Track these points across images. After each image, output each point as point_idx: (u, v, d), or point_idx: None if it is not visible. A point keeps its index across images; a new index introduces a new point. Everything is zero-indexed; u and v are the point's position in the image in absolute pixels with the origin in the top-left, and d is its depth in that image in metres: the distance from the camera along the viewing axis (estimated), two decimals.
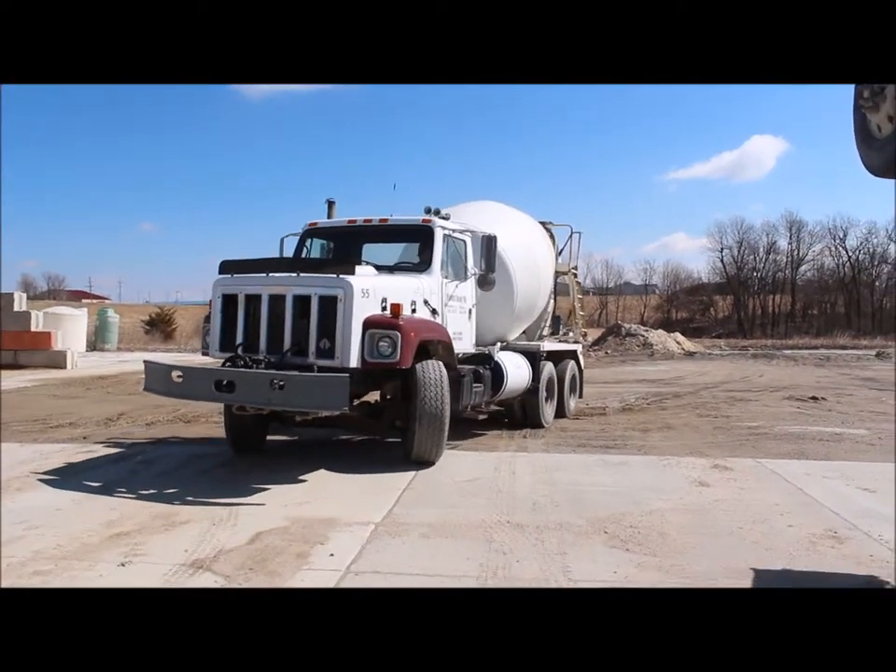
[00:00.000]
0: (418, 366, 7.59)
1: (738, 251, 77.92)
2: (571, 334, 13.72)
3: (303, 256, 9.31)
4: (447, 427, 7.83)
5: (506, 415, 11.24)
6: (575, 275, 14.20)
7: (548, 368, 11.18)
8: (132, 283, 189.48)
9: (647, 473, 7.68)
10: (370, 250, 9.41)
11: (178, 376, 7.50)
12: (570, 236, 13.50)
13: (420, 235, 8.83)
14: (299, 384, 6.67)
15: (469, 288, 9.27)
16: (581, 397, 13.53)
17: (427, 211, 9.02)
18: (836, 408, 14.08)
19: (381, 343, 7.24)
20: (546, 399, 11.14)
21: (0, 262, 53.20)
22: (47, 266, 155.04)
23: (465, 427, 10.34)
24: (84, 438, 9.87)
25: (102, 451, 8.77)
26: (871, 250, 73.07)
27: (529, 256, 11.00)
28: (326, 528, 5.61)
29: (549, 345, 11.68)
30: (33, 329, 23.73)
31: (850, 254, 73.74)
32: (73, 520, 5.80)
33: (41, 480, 7.15)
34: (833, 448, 9.22)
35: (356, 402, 7.99)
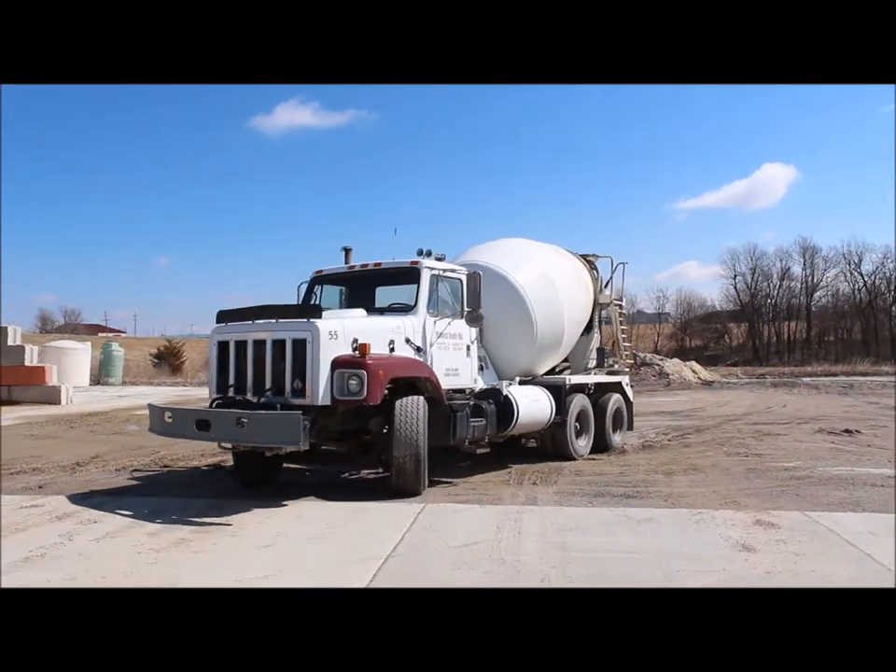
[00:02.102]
0: (397, 402, 8.07)
1: (752, 278, 76.66)
2: (616, 366, 13.42)
3: (312, 302, 9.84)
4: (424, 459, 8.15)
5: (538, 446, 11.40)
6: (620, 307, 13.78)
7: (578, 400, 11.25)
8: (147, 316, 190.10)
9: (677, 533, 6.45)
10: (382, 293, 9.78)
11: (169, 417, 8.25)
12: (614, 268, 13.39)
13: (409, 277, 9.21)
14: (258, 421, 7.27)
15: (465, 325, 9.56)
16: (630, 429, 13.21)
17: (420, 253, 9.37)
18: (875, 442, 12.88)
19: (350, 382, 7.69)
20: (579, 432, 11.26)
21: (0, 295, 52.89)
22: (65, 300, 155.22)
23: (470, 466, 10.26)
24: (39, 487, 8.84)
25: (47, 505, 7.69)
26: (887, 275, 71.51)
27: (553, 290, 11.10)
28: None
29: (575, 378, 11.68)
30: (27, 363, 22.93)
31: (866, 279, 72.23)
32: None
33: None
34: (890, 495, 7.99)
35: (350, 438, 8.50)
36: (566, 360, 12.88)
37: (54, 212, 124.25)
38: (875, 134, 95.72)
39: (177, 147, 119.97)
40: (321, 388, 7.67)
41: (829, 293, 75.74)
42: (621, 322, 13.86)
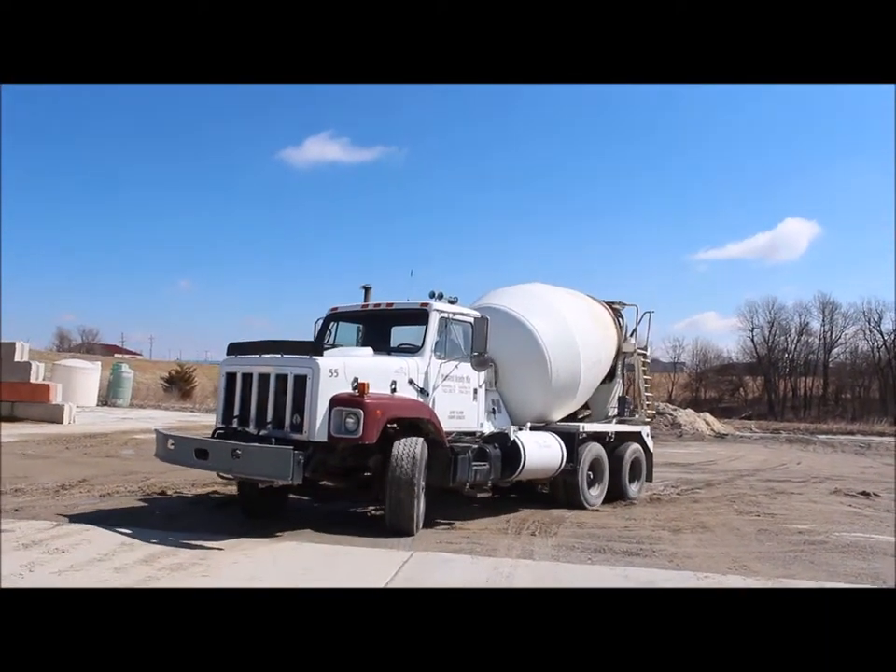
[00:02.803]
0: (395, 442, 8.17)
1: (770, 331, 75.64)
2: (637, 416, 13.19)
3: (327, 338, 9.92)
4: (418, 500, 8.14)
5: (549, 493, 11.22)
6: (644, 356, 13.54)
7: (592, 449, 11.13)
8: (164, 340, 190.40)
9: None
10: (398, 332, 9.90)
11: (171, 444, 8.40)
12: (640, 317, 13.28)
13: (418, 318, 9.29)
14: (251, 454, 7.42)
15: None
16: (650, 480, 12.93)
17: (431, 295, 9.39)
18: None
19: (347, 420, 7.79)
20: (592, 481, 11.14)
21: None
22: (84, 320, 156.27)
23: (475, 509, 10.15)
24: (16, 511, 8.47)
25: (18, 531, 7.27)
26: None
27: (571, 336, 11.04)
28: None
29: (590, 426, 11.55)
30: (32, 380, 22.71)
31: (886, 337, 71.19)
32: None
33: None
34: None
35: (353, 475, 8.55)
36: (587, 407, 12.72)
37: (79, 232, 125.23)
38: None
39: (205, 172, 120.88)
40: (318, 424, 7.80)
41: (847, 350, 74.76)
42: (644, 371, 13.58)
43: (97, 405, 31.01)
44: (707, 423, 36.99)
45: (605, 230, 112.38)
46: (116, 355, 76.20)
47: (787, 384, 75.40)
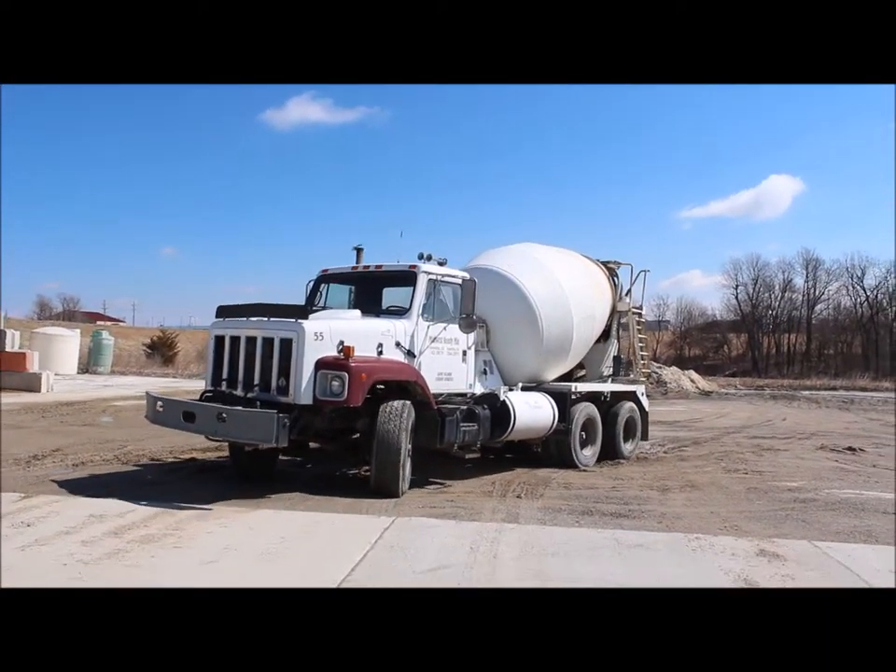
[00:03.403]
0: (382, 405, 8.15)
1: (753, 289, 75.65)
2: (632, 375, 13.23)
3: (317, 300, 9.93)
4: (403, 461, 8.08)
5: (542, 454, 11.14)
6: (639, 315, 13.39)
7: (584, 409, 11.09)
8: (148, 307, 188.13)
9: (672, 563, 5.71)
10: (390, 293, 9.81)
11: (160, 406, 8.54)
12: (635, 276, 13.22)
13: (406, 280, 9.21)
14: (236, 417, 7.51)
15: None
16: (645, 439, 12.90)
17: (420, 257, 9.36)
18: (881, 462, 12.26)
19: (332, 383, 7.79)
20: (584, 441, 11.10)
21: None
22: (66, 288, 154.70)
23: (456, 471, 9.96)
24: None
25: None
26: (890, 290, 70.57)
27: (563, 295, 10.96)
28: None
29: (583, 386, 11.52)
30: (8, 349, 22.28)
31: (868, 293, 71.37)
32: None
33: None
34: None
35: (340, 436, 8.68)
36: (582, 367, 12.65)
37: (60, 202, 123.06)
38: (880, 150, 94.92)
39: (187, 139, 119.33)
40: (304, 388, 7.81)
41: (830, 306, 74.99)
42: (639, 330, 13.46)
43: (77, 373, 30.62)
44: (692, 381, 37.02)
45: (589, 191, 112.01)
46: (98, 322, 75.24)
47: (770, 340, 75.70)
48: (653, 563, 5.75)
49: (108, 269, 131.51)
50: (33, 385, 21.37)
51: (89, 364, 32.87)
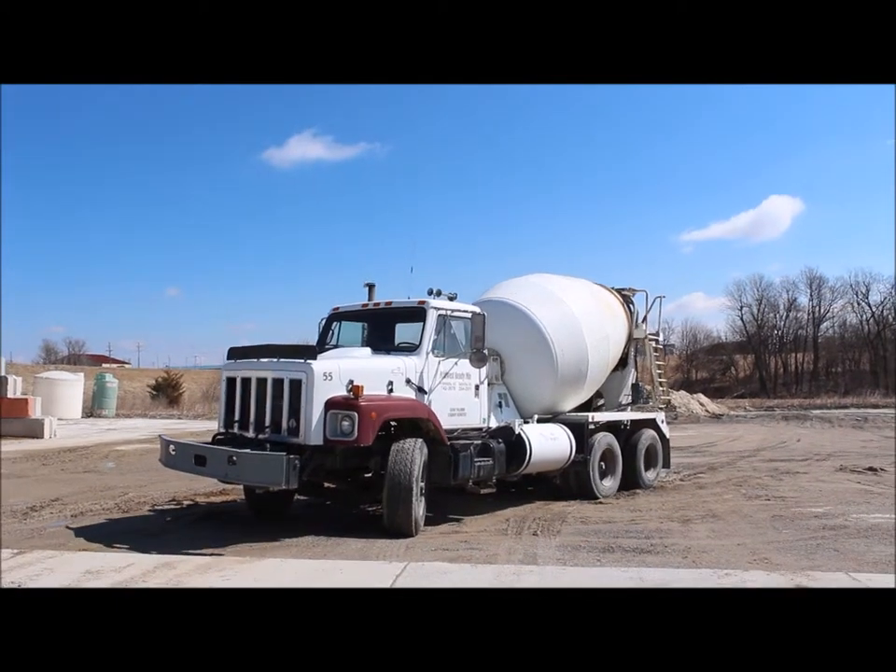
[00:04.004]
0: (393, 444, 8.03)
1: (758, 309, 75.45)
2: (651, 402, 13.12)
3: (329, 338, 9.88)
4: (415, 501, 7.94)
5: (561, 485, 10.86)
6: (655, 341, 13.22)
7: (603, 439, 10.93)
8: (153, 347, 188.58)
9: None
10: (402, 329, 9.67)
11: (172, 449, 8.52)
12: (650, 302, 13.05)
13: (416, 316, 9.12)
14: (246, 460, 7.49)
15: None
16: (667, 466, 12.65)
17: (430, 293, 9.30)
18: None
19: (343, 423, 7.71)
20: (603, 472, 10.94)
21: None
22: (72, 332, 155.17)
23: (472, 507, 9.83)
24: None
25: None
26: (895, 305, 70.45)
27: (577, 325, 10.84)
28: None
29: (600, 416, 11.34)
30: (10, 395, 22.01)
31: (874, 309, 71.22)
32: None
33: None
34: None
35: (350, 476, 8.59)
36: (601, 396, 12.46)
37: (64, 245, 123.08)
38: (879, 166, 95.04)
39: (188, 177, 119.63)
40: (314, 428, 7.76)
41: (836, 324, 74.78)
42: (657, 357, 13.29)
43: (82, 417, 30.37)
44: (702, 404, 36.77)
45: (590, 217, 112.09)
46: (103, 364, 75.25)
47: (777, 360, 75.35)
48: None
49: (113, 312, 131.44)
50: (35, 431, 21.13)
51: (93, 408, 32.68)
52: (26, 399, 22.39)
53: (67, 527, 8.47)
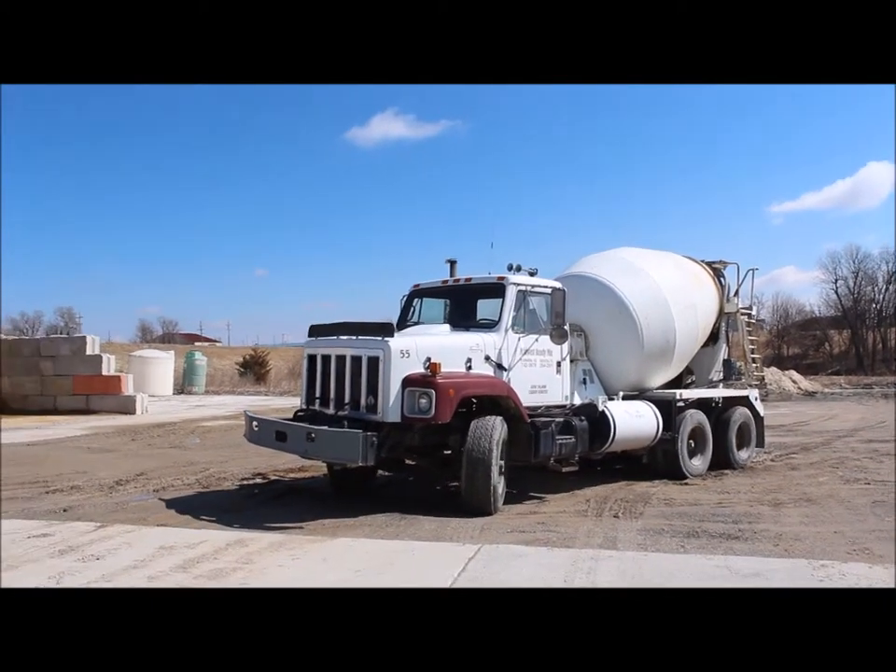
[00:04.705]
0: (472, 421, 7.98)
1: (854, 282, 72.08)
2: (744, 379, 12.67)
3: (410, 315, 9.86)
4: (494, 478, 7.84)
5: (649, 464, 10.61)
6: (749, 315, 12.70)
7: (692, 417, 10.62)
8: (241, 326, 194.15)
9: None
10: (484, 306, 9.51)
11: (255, 426, 8.70)
12: (742, 276, 12.52)
13: (495, 292, 9.03)
14: (324, 437, 7.57)
15: None
16: (760, 446, 12.17)
17: (509, 268, 9.19)
18: None
19: (420, 400, 7.70)
20: (692, 450, 10.65)
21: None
22: (166, 311, 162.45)
23: (553, 485, 9.66)
24: (64, 510, 8.11)
25: (58, 535, 6.78)
26: None
27: (663, 299, 10.56)
28: None
29: (688, 393, 11.00)
30: (104, 373, 22.80)
31: None
32: None
33: None
34: None
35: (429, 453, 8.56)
36: (691, 374, 12.11)
37: (163, 225, 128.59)
38: None
39: (275, 160, 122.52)
40: (391, 405, 7.79)
41: None
42: (750, 332, 12.76)
43: (173, 394, 31.36)
44: (794, 381, 35.36)
45: (678, 191, 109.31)
46: (195, 343, 77.68)
47: (875, 335, 71.97)
48: None
49: (205, 292, 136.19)
50: (128, 407, 21.91)
51: (183, 385, 33.68)
52: (119, 377, 23.11)
53: (149, 502, 8.63)
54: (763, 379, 14.04)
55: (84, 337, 23.76)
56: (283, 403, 23.77)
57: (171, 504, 8.47)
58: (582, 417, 9.24)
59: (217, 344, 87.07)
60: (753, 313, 13.10)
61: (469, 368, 8.36)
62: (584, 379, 10.10)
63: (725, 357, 12.52)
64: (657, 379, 10.92)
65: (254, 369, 47.32)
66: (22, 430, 16.87)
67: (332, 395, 8.38)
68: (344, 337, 8.47)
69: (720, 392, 11.77)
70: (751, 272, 12.60)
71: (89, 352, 23.08)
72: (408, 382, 7.81)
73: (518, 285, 8.97)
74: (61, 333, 35.20)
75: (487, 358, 8.51)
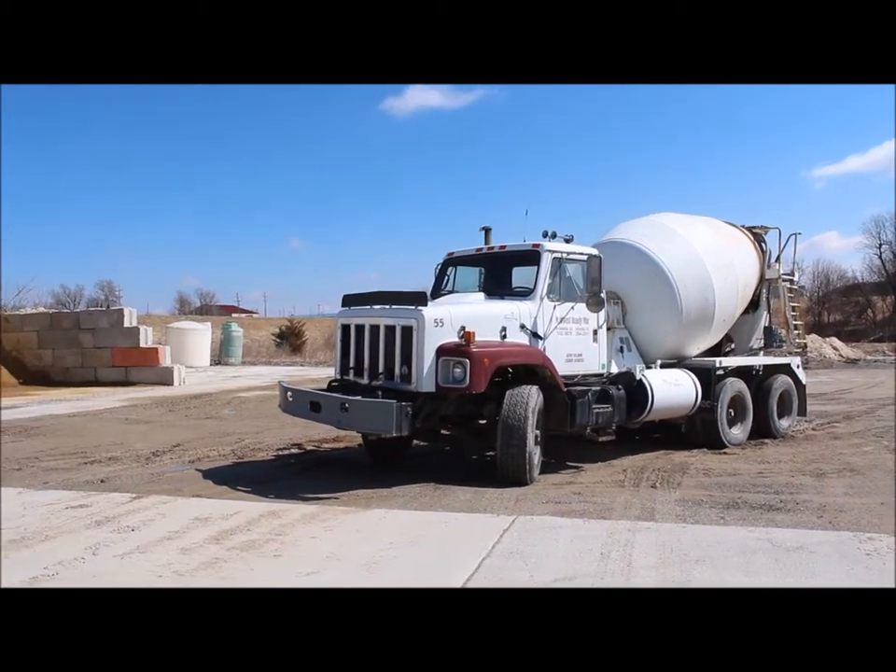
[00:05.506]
0: (507, 391, 7.87)
1: None
2: (785, 346, 12.51)
3: (445, 284, 9.79)
4: (529, 448, 7.75)
5: (688, 433, 10.37)
6: (791, 281, 12.40)
7: (732, 385, 10.46)
8: (278, 297, 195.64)
9: (843, 573, 4.80)
10: (519, 274, 9.35)
11: (290, 396, 8.68)
12: (784, 241, 12.16)
13: (530, 259, 8.89)
14: (358, 407, 7.52)
15: None
16: (802, 414, 12.02)
17: (544, 235, 9.03)
18: None
19: (455, 370, 7.60)
20: (732, 419, 10.49)
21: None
22: (204, 283, 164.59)
23: (590, 455, 9.57)
24: (101, 482, 8.15)
25: (95, 506, 6.84)
26: None
27: (702, 265, 10.31)
28: None
29: (728, 361, 10.82)
30: (142, 345, 23.06)
31: None
32: None
33: None
34: None
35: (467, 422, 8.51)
36: (731, 341, 11.91)
37: (197, 199, 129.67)
38: None
39: (310, 131, 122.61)
40: (426, 375, 7.69)
41: None
42: (791, 298, 12.41)
43: (210, 365, 31.65)
44: (835, 348, 34.69)
45: (716, 157, 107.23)
46: (233, 314, 78.35)
47: None
48: (819, 573, 4.83)
49: (242, 263, 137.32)
50: (165, 378, 22.15)
51: (220, 356, 33.97)
52: (157, 349, 23.33)
53: (185, 473, 8.68)
54: (806, 346, 13.70)
55: (122, 310, 24.03)
56: (318, 373, 23.86)
57: (206, 475, 8.50)
58: (619, 386, 9.07)
59: (254, 315, 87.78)
60: (795, 279, 12.74)
61: (504, 337, 8.23)
62: (621, 347, 9.92)
63: (766, 325, 12.23)
64: (696, 346, 10.70)
65: (290, 339, 47.47)
66: (64, 402, 17.13)
67: (366, 365, 8.31)
68: (378, 306, 8.38)
69: (760, 360, 11.53)
70: (794, 236, 12.24)
71: (126, 324, 23.32)
72: (442, 351, 7.72)
73: (553, 252, 8.79)
74: (100, 306, 35.55)
75: (522, 327, 8.39)
